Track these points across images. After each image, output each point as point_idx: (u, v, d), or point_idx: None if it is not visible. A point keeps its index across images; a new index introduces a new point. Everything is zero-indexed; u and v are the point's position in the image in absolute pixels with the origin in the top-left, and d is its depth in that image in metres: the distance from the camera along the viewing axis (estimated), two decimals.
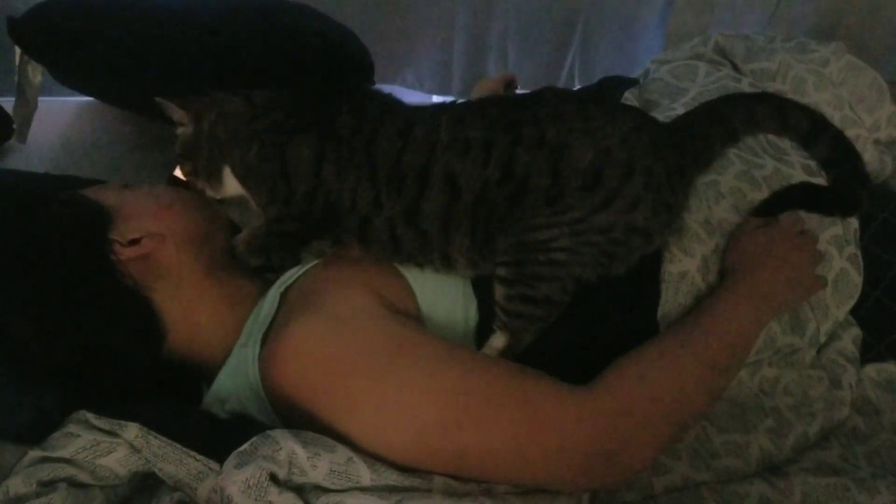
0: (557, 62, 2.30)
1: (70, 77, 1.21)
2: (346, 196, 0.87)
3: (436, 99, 2.33)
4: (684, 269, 0.93)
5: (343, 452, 0.74)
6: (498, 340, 0.86)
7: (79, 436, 0.77)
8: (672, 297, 0.92)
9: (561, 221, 0.83)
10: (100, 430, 0.77)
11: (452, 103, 0.93)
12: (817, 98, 1.17)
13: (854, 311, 1.03)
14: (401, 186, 0.86)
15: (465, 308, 0.91)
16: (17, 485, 0.74)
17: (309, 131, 0.89)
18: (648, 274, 0.93)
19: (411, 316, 0.88)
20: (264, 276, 0.94)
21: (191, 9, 1.16)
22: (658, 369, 0.81)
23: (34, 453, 0.76)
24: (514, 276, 0.85)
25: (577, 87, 2.36)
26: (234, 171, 0.92)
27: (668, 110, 1.16)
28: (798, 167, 1.06)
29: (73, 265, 0.85)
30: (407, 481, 0.75)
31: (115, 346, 0.86)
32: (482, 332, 0.90)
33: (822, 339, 1.01)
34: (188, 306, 0.90)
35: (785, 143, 1.12)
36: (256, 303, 0.92)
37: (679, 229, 0.94)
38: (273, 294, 0.88)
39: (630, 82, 1.31)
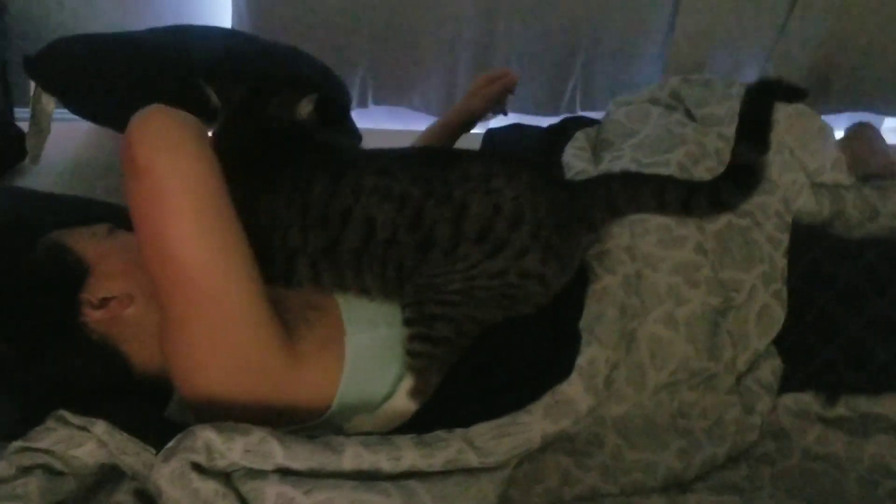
0: (559, 88, 2.36)
1: (80, 108, 1.34)
2: (277, 235, 0.97)
3: None
4: (605, 284, 1.02)
5: (257, 434, 0.85)
6: (406, 382, 0.96)
7: (56, 430, 0.89)
8: (595, 309, 1.01)
9: (455, 268, 0.93)
10: (74, 426, 0.90)
11: (385, 152, 1.04)
12: None
13: (778, 343, 1.11)
14: (325, 226, 0.96)
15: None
16: (0, 468, 0.87)
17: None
18: (574, 294, 1.02)
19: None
20: None
21: (189, 49, 1.28)
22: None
23: (17, 444, 0.89)
24: (413, 316, 0.95)
25: (579, 111, 2.42)
26: None
27: (618, 150, 1.24)
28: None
29: (45, 314, 0.96)
30: (317, 455, 0.85)
31: (82, 380, 0.98)
32: None
33: (742, 368, 1.08)
34: (154, 348, 0.97)
35: None
36: None
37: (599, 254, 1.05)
38: None
39: (591, 122, 1.39)
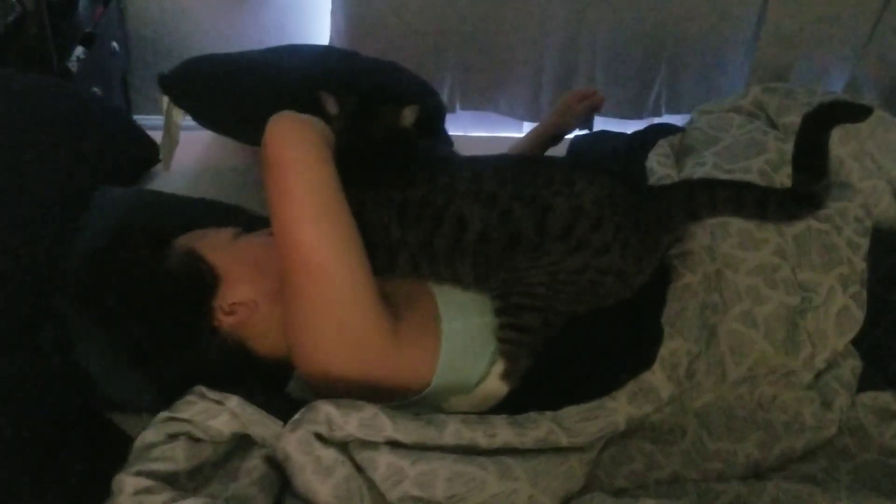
0: (644, 93, 2.38)
1: (207, 120, 1.49)
2: (380, 230, 1.07)
3: (526, 126, 2.49)
4: (687, 282, 1.09)
5: (369, 409, 0.96)
6: (498, 366, 1.04)
7: (195, 403, 1.01)
8: (676, 304, 1.08)
9: (540, 263, 1.02)
10: (210, 400, 1.02)
11: (477, 159, 1.13)
12: (841, 151, 1.29)
13: (857, 344, 1.16)
14: (422, 224, 1.05)
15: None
16: (150, 435, 0.99)
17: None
18: (657, 291, 1.09)
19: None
20: None
21: (302, 71, 1.40)
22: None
23: (163, 414, 1.01)
24: (502, 306, 1.04)
25: (665, 115, 2.45)
26: None
27: (700, 157, 1.31)
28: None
29: (182, 318, 1.08)
30: (421, 430, 0.95)
31: (213, 368, 1.09)
32: None
33: (820, 366, 1.14)
34: (276, 341, 1.10)
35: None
36: None
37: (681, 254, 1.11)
38: None
39: (674, 129, 1.45)
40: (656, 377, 1.03)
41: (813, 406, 1.11)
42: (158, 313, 1.07)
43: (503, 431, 0.96)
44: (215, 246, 1.13)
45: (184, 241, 1.14)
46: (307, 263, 0.99)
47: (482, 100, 2.40)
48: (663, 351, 1.04)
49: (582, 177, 1.05)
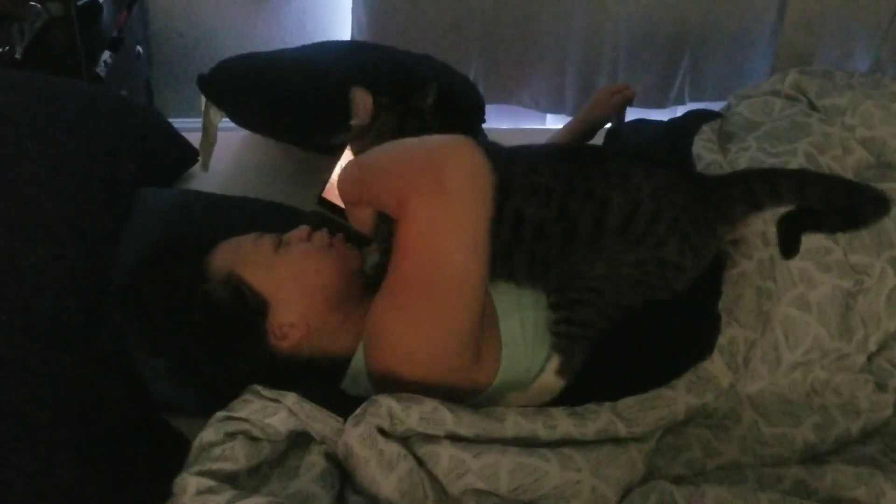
0: (668, 81, 2.39)
1: (243, 120, 1.49)
2: None
3: (550, 118, 2.49)
4: (742, 269, 1.09)
5: (430, 403, 0.95)
6: (553, 362, 1.04)
7: (251, 402, 1.01)
8: (733, 292, 1.08)
9: (598, 257, 1.01)
10: (266, 398, 1.02)
11: (528, 149, 1.11)
12: (883, 131, 1.28)
13: None
14: None
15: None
16: (209, 434, 0.99)
17: None
18: (712, 279, 1.09)
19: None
20: None
21: (334, 64, 1.40)
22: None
23: (220, 413, 1.01)
24: (558, 301, 1.04)
25: (688, 103, 2.45)
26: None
27: (743, 141, 1.30)
28: None
29: (230, 343, 1.08)
30: (482, 423, 0.95)
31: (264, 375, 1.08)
32: None
33: (873, 348, 1.13)
34: (333, 345, 1.10)
35: (848, 174, 1.25)
36: None
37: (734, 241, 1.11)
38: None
39: (713, 115, 1.44)
40: (715, 366, 1.02)
41: (867, 388, 1.10)
42: (207, 340, 1.07)
43: (563, 423, 0.96)
44: (257, 263, 1.10)
45: (222, 257, 1.10)
46: (451, 288, 0.97)
47: (505, 93, 2.40)
48: (722, 339, 1.04)
49: (639, 169, 1.04)
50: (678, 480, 0.98)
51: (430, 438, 0.95)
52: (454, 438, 0.95)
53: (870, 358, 1.14)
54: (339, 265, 1.13)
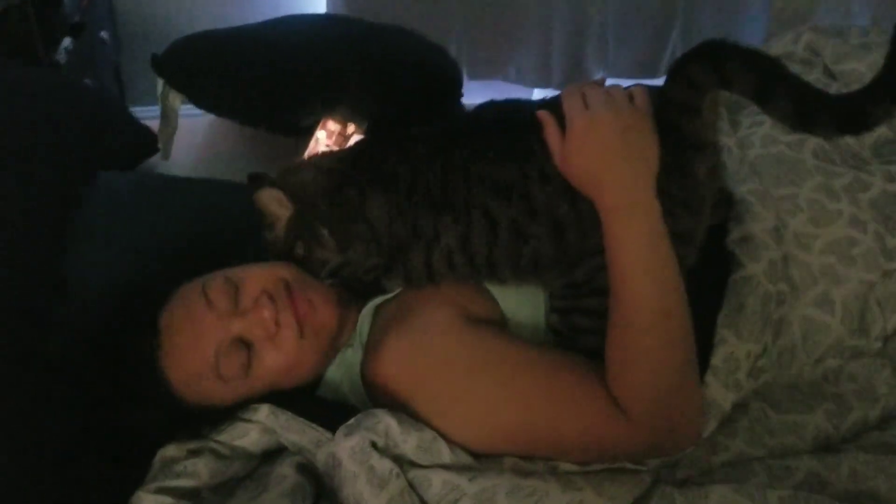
0: (658, 51, 2.31)
1: (205, 102, 1.40)
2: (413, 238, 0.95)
3: (537, 93, 2.40)
4: (748, 273, 0.99)
5: (429, 433, 0.88)
6: None
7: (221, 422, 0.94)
8: (734, 301, 0.98)
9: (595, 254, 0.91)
10: (238, 417, 0.94)
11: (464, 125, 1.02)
12: None
13: None
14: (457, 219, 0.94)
15: (545, 303, 1.00)
16: (171, 450, 0.92)
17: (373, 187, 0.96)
18: (713, 285, 0.99)
19: (494, 321, 0.98)
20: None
21: (302, 41, 1.31)
22: (640, 364, 0.86)
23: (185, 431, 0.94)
24: (560, 325, 0.95)
25: None
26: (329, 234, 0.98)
27: (756, 113, 1.21)
28: (878, 175, 1.09)
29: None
30: (479, 459, 0.89)
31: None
32: None
33: (890, 332, 1.04)
34: (309, 373, 1.00)
35: (866, 152, 1.16)
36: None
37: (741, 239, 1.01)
38: (367, 311, 1.01)
39: None
40: (711, 390, 0.94)
41: (884, 373, 1.02)
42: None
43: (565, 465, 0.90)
44: (230, 397, 0.95)
45: (185, 384, 0.94)
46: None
47: (490, 68, 2.32)
48: (714, 360, 0.95)
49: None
50: (683, 484, 0.90)
51: None
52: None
53: (885, 340, 1.05)
54: (318, 354, 0.99)
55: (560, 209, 0.91)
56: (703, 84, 0.86)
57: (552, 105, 0.92)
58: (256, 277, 0.97)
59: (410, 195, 0.95)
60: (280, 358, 0.94)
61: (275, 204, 0.96)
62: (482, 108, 0.98)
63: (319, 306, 0.97)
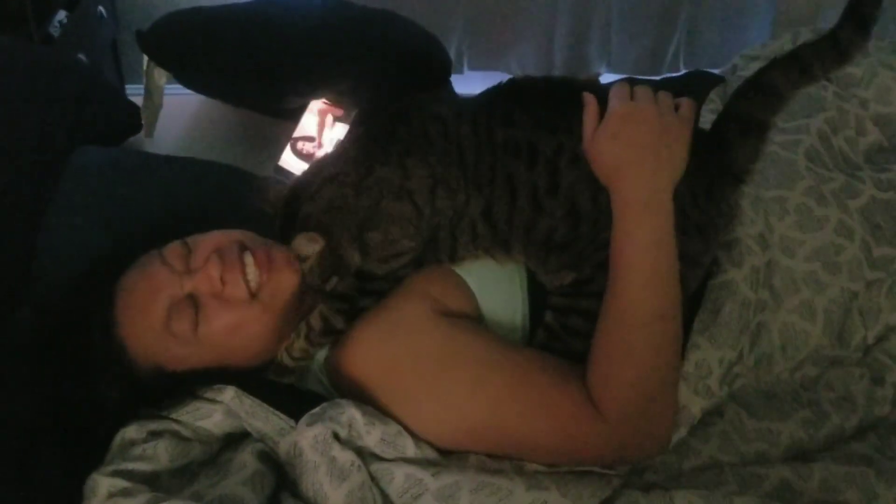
0: (661, 48, 2.28)
1: (191, 81, 1.38)
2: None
3: None
4: (728, 278, 0.97)
5: (394, 426, 0.87)
6: None
7: (185, 401, 0.92)
8: (711, 305, 0.96)
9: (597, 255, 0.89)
10: (201, 398, 0.92)
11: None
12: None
13: None
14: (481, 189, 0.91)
15: (523, 304, 0.99)
16: (131, 431, 0.90)
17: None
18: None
19: (469, 316, 0.96)
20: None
21: (292, 22, 1.29)
22: (627, 362, 0.85)
23: (148, 411, 0.92)
24: (554, 326, 0.93)
25: (683, 71, 2.35)
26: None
27: None
28: (869, 182, 1.07)
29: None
30: (445, 456, 0.87)
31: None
32: (535, 323, 0.97)
33: (871, 341, 1.03)
34: (260, 346, 0.96)
35: (858, 158, 1.14)
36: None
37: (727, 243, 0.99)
38: None
39: (716, 79, 1.32)
40: (680, 396, 0.92)
41: (862, 382, 1.00)
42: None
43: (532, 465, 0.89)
44: (181, 355, 0.93)
45: (135, 340, 0.92)
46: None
47: (491, 59, 2.29)
48: (686, 366, 0.93)
49: None
50: (650, 488, 0.88)
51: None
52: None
53: (866, 351, 1.03)
54: (268, 324, 0.95)
55: (581, 196, 0.90)
56: (786, 86, 0.89)
57: (601, 93, 0.92)
58: (211, 239, 0.96)
59: (446, 165, 0.91)
60: (226, 316, 0.92)
61: (305, 243, 0.89)
62: (520, 79, 0.96)
63: (282, 267, 0.95)
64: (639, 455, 0.89)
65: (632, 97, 0.89)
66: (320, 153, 1.05)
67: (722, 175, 0.92)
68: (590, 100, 0.90)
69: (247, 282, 0.93)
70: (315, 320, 0.94)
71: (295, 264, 0.92)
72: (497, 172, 0.90)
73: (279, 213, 0.93)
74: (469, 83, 2.24)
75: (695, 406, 0.92)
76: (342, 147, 0.96)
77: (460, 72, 2.25)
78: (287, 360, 0.96)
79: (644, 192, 0.86)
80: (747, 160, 0.91)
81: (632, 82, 0.92)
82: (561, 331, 0.93)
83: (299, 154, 1.30)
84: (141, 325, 0.91)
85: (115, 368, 0.92)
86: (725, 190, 0.92)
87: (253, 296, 0.93)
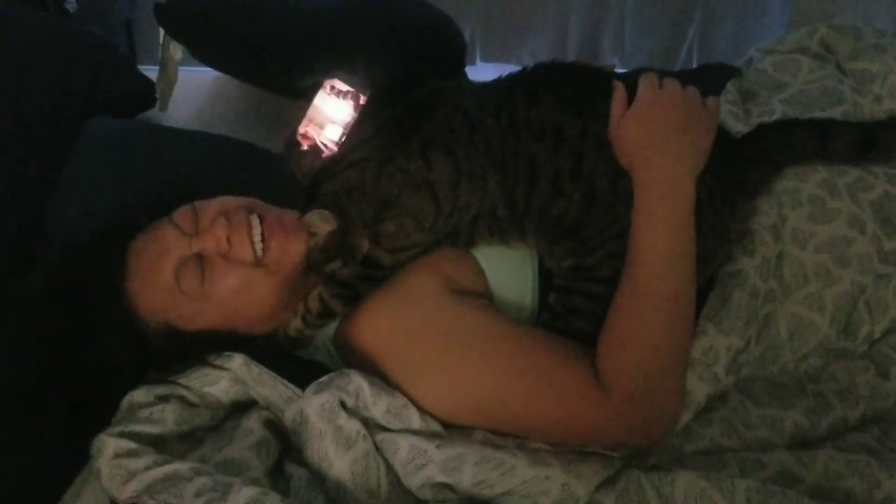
0: (676, 42, 2.28)
1: (206, 55, 1.38)
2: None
3: None
4: (740, 267, 0.97)
5: (400, 398, 0.87)
6: None
7: (193, 367, 0.93)
8: (721, 292, 0.96)
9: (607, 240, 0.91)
10: (210, 364, 0.93)
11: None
12: None
13: None
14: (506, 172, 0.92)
15: (533, 286, 0.99)
16: (139, 395, 0.91)
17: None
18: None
19: (480, 294, 0.97)
20: None
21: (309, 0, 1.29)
22: (638, 340, 0.86)
23: (155, 375, 0.93)
24: (558, 307, 0.94)
25: (695, 66, 2.34)
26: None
27: (766, 104, 1.19)
28: (882, 177, 1.07)
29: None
30: (450, 429, 0.87)
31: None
32: (545, 307, 0.98)
33: (877, 335, 1.03)
34: (265, 312, 0.97)
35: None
36: None
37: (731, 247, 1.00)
38: None
39: (731, 70, 1.32)
40: (686, 382, 0.91)
41: (867, 375, 1.00)
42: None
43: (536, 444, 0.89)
44: (188, 313, 0.94)
45: (144, 298, 0.93)
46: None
47: (504, 51, 2.29)
48: (694, 352, 0.93)
49: None
50: (653, 470, 0.88)
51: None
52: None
53: (871, 344, 1.03)
54: (274, 292, 0.96)
55: (601, 180, 0.91)
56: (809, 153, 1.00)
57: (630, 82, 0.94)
58: (219, 202, 0.97)
59: (471, 157, 0.92)
60: (232, 276, 0.93)
61: (318, 219, 0.90)
62: (549, 64, 0.97)
63: (290, 232, 0.95)
64: (642, 439, 0.89)
65: (661, 86, 0.92)
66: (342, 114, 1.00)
67: (734, 189, 0.95)
68: (619, 85, 0.92)
69: (252, 243, 0.94)
70: (313, 302, 0.95)
71: (304, 233, 0.93)
72: (520, 154, 0.91)
73: (306, 183, 0.94)
74: (482, 75, 2.26)
75: (700, 393, 0.92)
76: (369, 132, 0.96)
77: (473, 63, 2.24)
78: (283, 336, 0.97)
79: (668, 174, 0.88)
80: (758, 184, 0.99)
81: (659, 74, 0.94)
82: (563, 310, 0.93)
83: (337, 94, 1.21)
84: (151, 283, 0.92)
85: (124, 327, 0.92)
86: (738, 202, 0.96)
87: (258, 259, 0.94)
